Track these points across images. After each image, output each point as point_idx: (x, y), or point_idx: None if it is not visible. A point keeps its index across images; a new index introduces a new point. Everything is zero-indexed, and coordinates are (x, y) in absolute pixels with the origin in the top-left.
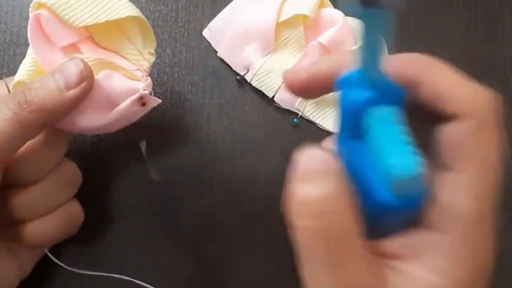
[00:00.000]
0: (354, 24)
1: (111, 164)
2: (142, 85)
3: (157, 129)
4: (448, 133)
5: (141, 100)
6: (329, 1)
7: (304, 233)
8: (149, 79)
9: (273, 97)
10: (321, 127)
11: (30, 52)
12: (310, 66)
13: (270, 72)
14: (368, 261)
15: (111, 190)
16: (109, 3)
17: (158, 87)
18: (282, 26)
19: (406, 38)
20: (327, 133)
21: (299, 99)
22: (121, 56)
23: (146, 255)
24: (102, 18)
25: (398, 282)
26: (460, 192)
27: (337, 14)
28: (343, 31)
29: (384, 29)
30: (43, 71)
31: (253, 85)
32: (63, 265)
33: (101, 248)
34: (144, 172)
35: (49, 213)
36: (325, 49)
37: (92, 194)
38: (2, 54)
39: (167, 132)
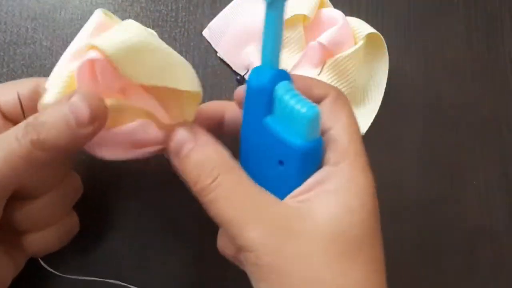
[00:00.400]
0: (354, 24)
1: (106, 167)
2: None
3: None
4: (321, 108)
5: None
6: (329, 1)
7: (210, 204)
8: None
9: None
10: None
11: (68, 66)
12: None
13: None
14: (282, 204)
15: (104, 192)
16: (174, 69)
17: None
18: None
19: (406, 38)
20: None
21: None
22: (164, 102)
23: (145, 256)
24: (161, 81)
25: (314, 211)
26: (343, 138)
27: (337, 14)
28: (343, 31)
29: (282, 17)
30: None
31: None
32: (56, 272)
33: (95, 252)
34: (139, 173)
35: (50, 225)
36: (325, 49)
37: (85, 198)
38: (2, 54)
39: None
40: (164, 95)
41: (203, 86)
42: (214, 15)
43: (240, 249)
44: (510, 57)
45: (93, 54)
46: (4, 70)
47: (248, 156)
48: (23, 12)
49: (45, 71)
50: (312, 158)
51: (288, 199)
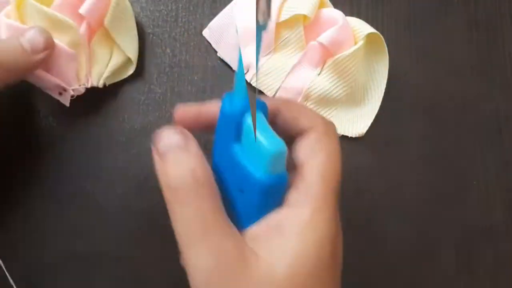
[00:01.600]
0: (354, 24)
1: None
2: (74, 87)
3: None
4: (302, 141)
5: (62, 91)
6: (329, 1)
7: (178, 211)
8: (83, 90)
9: (273, 97)
10: None
11: None
12: (199, 104)
13: (270, 72)
14: (238, 239)
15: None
16: (130, 36)
17: (158, 87)
18: (282, 26)
19: (406, 38)
20: None
21: (300, 99)
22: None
23: (141, 256)
24: (119, 38)
25: (267, 253)
26: (312, 177)
27: (337, 14)
28: (343, 31)
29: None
30: None
31: (253, 85)
32: None
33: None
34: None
35: None
36: (325, 49)
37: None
38: None
39: None
40: (100, 46)
41: (203, 86)
42: (214, 15)
43: (184, 264)
44: (510, 57)
45: None
46: None
47: (217, 176)
48: None
49: None
50: (272, 193)
51: (244, 236)
